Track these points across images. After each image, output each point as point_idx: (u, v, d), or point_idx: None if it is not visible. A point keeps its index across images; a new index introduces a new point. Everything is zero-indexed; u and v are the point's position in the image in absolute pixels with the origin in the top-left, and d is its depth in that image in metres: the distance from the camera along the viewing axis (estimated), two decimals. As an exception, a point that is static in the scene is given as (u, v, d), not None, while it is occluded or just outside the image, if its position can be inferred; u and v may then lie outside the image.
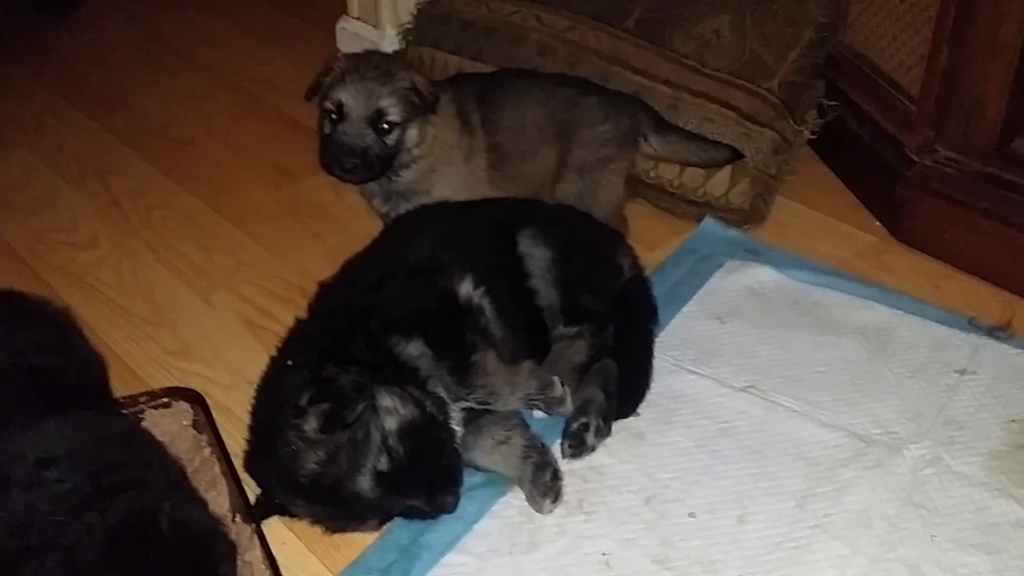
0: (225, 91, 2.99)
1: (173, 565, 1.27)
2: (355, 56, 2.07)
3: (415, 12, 2.83)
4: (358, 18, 2.92)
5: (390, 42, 2.85)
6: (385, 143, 2.00)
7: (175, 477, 1.45)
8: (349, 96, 1.97)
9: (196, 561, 1.29)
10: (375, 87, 1.97)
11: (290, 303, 2.14)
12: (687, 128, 2.31)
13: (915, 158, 2.21)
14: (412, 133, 2.02)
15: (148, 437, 1.48)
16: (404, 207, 2.12)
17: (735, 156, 2.28)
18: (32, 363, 1.44)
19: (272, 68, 3.10)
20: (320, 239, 2.34)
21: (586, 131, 2.20)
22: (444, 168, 2.11)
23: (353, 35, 2.93)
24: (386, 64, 2.03)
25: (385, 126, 1.99)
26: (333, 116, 1.99)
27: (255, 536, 1.53)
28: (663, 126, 2.27)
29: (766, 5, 2.47)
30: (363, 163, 1.98)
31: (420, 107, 2.01)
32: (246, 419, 1.73)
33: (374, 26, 2.88)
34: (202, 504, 1.46)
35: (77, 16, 3.33)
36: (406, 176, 2.08)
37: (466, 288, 1.73)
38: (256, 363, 1.95)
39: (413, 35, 2.80)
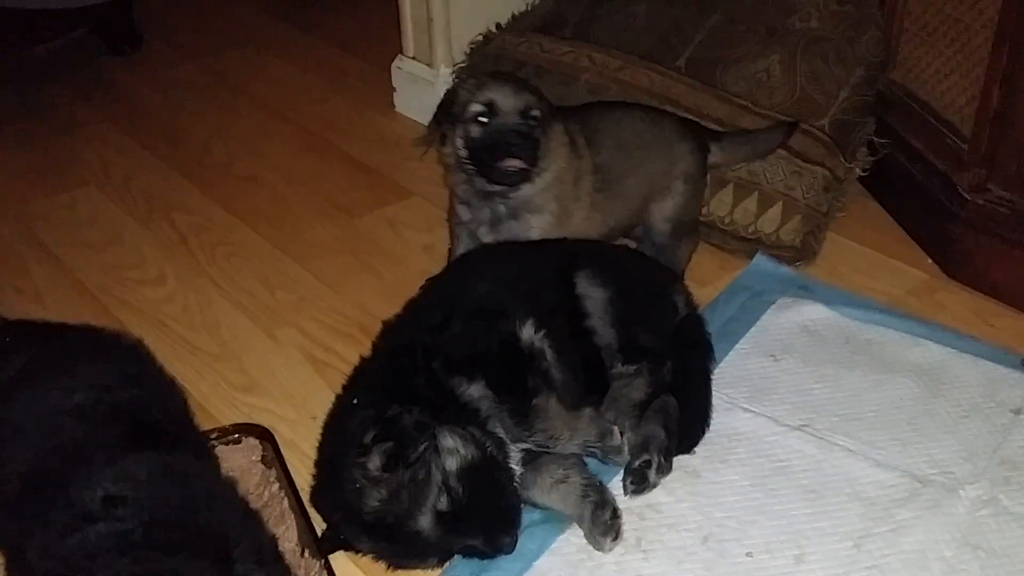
0: (285, 129, 3.08)
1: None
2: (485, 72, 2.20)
3: (468, 51, 2.91)
4: (413, 57, 2.99)
5: (444, 81, 2.91)
6: (535, 136, 2.04)
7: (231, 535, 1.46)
8: (498, 93, 2.02)
9: None
10: (519, 86, 2.06)
11: (351, 339, 2.21)
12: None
13: (967, 196, 2.22)
14: (543, 140, 2.07)
15: (222, 484, 1.52)
16: (508, 233, 2.14)
17: (790, 129, 2.37)
18: (113, 398, 1.49)
19: (329, 106, 3.19)
20: (378, 275, 2.40)
21: (677, 145, 2.27)
22: (557, 186, 2.14)
23: (408, 74, 3.00)
24: (515, 77, 2.16)
25: (533, 120, 2.03)
26: (482, 118, 2.02)
27: (324, 571, 1.58)
28: (717, 135, 2.37)
29: (816, 45, 2.51)
30: (529, 145, 2.02)
31: (548, 115, 2.07)
32: (311, 454, 1.79)
33: (428, 65, 2.95)
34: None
35: (139, 56, 3.45)
36: (527, 190, 2.10)
37: (527, 332, 1.78)
38: (319, 398, 2.03)
39: (463, 73, 2.88)
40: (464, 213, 2.17)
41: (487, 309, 1.81)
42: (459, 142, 2.08)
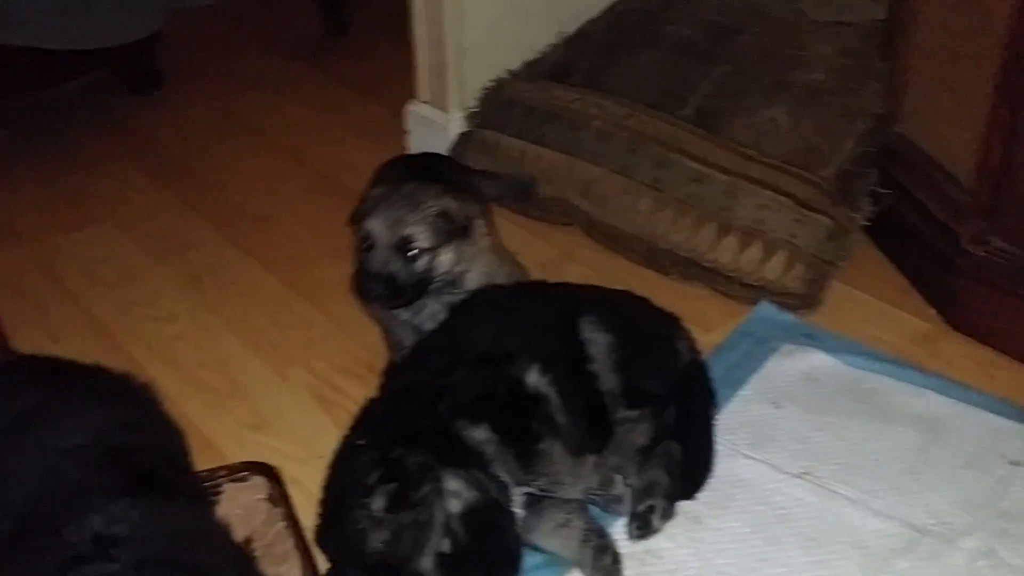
0: (298, 169, 3.14)
1: None
2: (389, 185, 2.11)
3: (480, 97, 2.97)
4: (427, 102, 3.05)
5: (456, 125, 2.97)
6: (414, 269, 2.00)
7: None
8: (377, 224, 2.00)
9: None
10: (402, 215, 2.00)
11: (359, 378, 2.24)
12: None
13: (968, 248, 2.25)
14: (445, 257, 2.03)
15: (215, 527, 1.55)
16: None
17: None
18: (113, 442, 1.52)
19: (343, 147, 3.25)
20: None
21: None
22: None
23: (422, 118, 3.06)
24: (416, 191, 2.05)
25: (413, 252, 1.99)
26: (364, 244, 2.02)
27: (326, 611, 1.60)
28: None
29: (822, 96, 2.56)
30: (390, 290, 2.00)
31: (453, 231, 2.03)
32: (316, 493, 1.81)
33: (441, 110, 3.01)
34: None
35: (159, 96, 3.52)
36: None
37: (533, 376, 1.80)
38: (326, 438, 2.05)
39: (479, 119, 2.94)
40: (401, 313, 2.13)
41: (493, 353, 1.84)
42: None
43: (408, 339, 2.19)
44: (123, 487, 1.42)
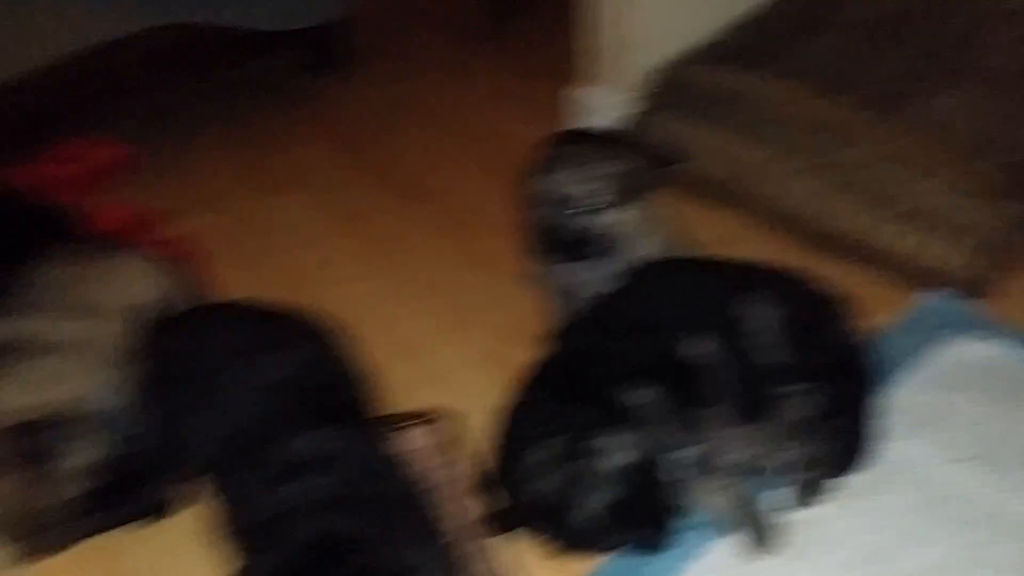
0: (468, 148, 3.28)
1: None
2: (566, 142, 2.19)
3: (650, 78, 3.02)
4: (592, 84, 3.12)
5: (622, 108, 3.04)
6: (586, 227, 2.07)
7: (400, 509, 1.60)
8: (553, 183, 2.07)
9: None
10: (577, 175, 2.07)
11: (522, 344, 2.33)
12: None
13: None
14: (616, 220, 2.08)
15: (401, 463, 1.69)
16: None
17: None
18: (312, 378, 1.69)
19: (510, 128, 3.36)
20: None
21: None
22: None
23: (587, 100, 3.14)
24: (592, 154, 2.12)
25: (585, 210, 2.06)
26: (539, 201, 2.10)
27: (495, 551, 1.72)
28: None
29: (1001, 82, 2.49)
30: (562, 247, 2.09)
31: (628, 194, 2.09)
32: (484, 443, 1.95)
33: (607, 92, 3.08)
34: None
35: (340, 77, 3.75)
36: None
37: (699, 346, 1.87)
38: (492, 394, 2.17)
39: (645, 102, 2.99)
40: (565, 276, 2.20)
41: (661, 321, 1.92)
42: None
43: (568, 304, 2.29)
44: (319, 418, 1.58)
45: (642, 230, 2.13)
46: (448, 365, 2.32)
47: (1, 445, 1.74)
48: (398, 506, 1.50)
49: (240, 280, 2.60)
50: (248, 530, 1.47)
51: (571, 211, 2.06)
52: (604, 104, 3.07)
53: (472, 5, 4.20)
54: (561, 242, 2.07)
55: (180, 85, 3.30)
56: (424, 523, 1.56)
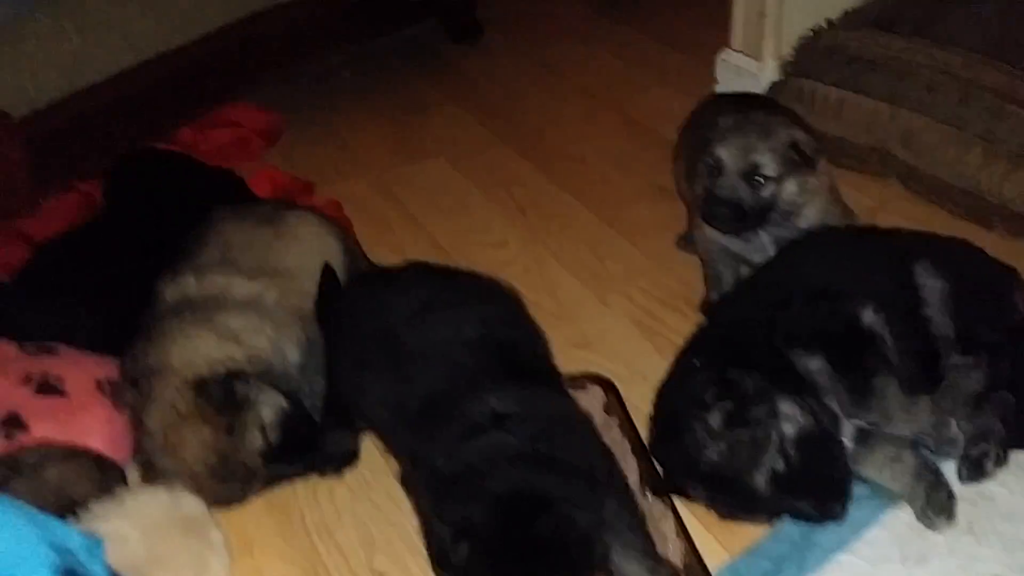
0: (607, 114, 3.29)
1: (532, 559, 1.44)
2: (738, 111, 2.17)
3: (797, 45, 2.97)
4: (739, 50, 3.08)
5: (770, 74, 2.99)
6: (760, 196, 2.07)
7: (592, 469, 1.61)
8: (726, 151, 2.06)
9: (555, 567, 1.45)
10: (752, 142, 2.05)
11: (677, 311, 2.37)
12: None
13: None
14: (789, 187, 2.08)
15: (585, 419, 1.73)
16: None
17: None
18: (495, 336, 1.73)
19: (649, 95, 3.36)
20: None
21: None
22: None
23: (733, 67, 3.10)
24: (767, 120, 2.11)
25: (759, 180, 2.06)
26: (712, 171, 2.10)
27: (668, 510, 1.75)
28: None
29: None
30: (735, 215, 2.08)
31: (799, 163, 2.08)
32: (642, 408, 1.97)
33: (755, 59, 3.04)
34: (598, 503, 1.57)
35: (478, 45, 3.79)
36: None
37: (868, 315, 1.84)
38: (649, 360, 2.21)
39: (794, 68, 2.94)
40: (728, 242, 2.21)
41: (829, 290, 1.89)
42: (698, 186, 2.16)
43: (728, 274, 2.29)
44: (507, 375, 1.63)
45: (805, 199, 2.11)
46: (603, 329, 2.35)
47: (196, 395, 1.84)
48: (587, 464, 1.53)
49: (389, 245, 2.68)
50: (439, 483, 1.52)
51: (741, 180, 2.05)
52: (752, 69, 3.03)
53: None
54: (730, 210, 2.06)
55: (325, 53, 3.38)
56: (611, 482, 1.59)
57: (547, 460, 1.50)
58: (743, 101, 2.42)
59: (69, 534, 1.29)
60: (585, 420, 1.70)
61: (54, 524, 1.31)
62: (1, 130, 2.39)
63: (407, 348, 1.71)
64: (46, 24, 2.44)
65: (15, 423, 1.91)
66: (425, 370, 1.67)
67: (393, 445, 1.81)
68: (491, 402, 1.56)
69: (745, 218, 2.07)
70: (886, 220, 2.58)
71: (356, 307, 1.89)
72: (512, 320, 1.83)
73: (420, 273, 1.93)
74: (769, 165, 2.04)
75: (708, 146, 2.09)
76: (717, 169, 2.07)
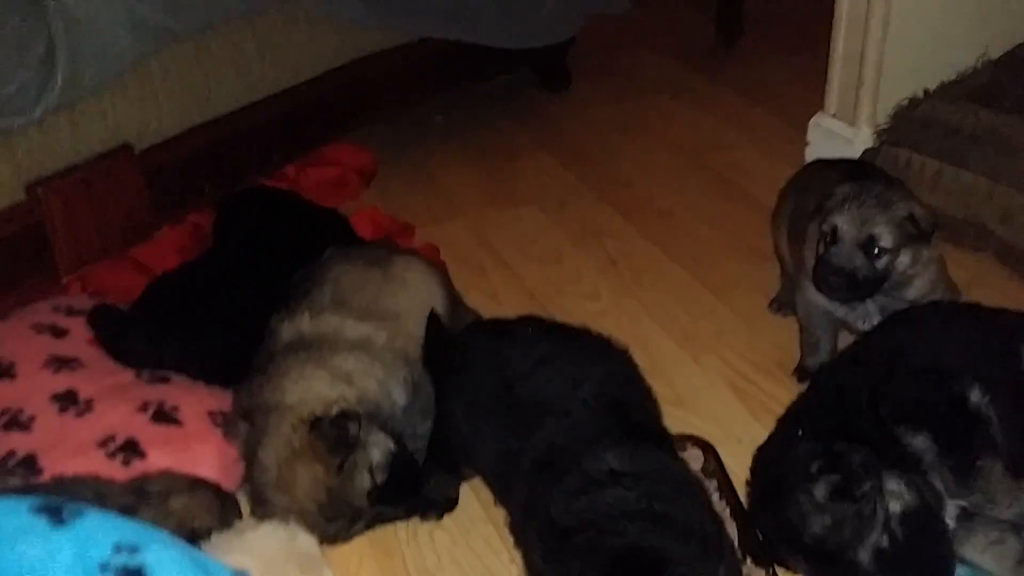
0: (697, 171, 3.33)
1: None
2: (855, 181, 2.19)
3: (893, 113, 2.99)
4: (834, 115, 3.11)
5: (864, 141, 3.02)
6: (875, 267, 2.09)
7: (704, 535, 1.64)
8: (844, 221, 2.09)
9: None
10: (871, 214, 2.08)
11: (770, 374, 2.39)
12: None
13: None
14: (904, 259, 2.10)
15: (697, 482, 1.75)
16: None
17: None
18: (612, 394, 1.78)
19: (738, 153, 3.40)
20: (794, 321, 2.53)
21: None
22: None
23: (827, 131, 3.13)
24: (885, 192, 2.13)
25: (876, 251, 2.08)
26: (828, 239, 2.12)
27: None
28: None
29: None
30: (848, 284, 2.10)
31: (915, 236, 2.10)
32: (737, 472, 1.99)
33: (849, 124, 3.06)
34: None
35: (568, 94, 3.86)
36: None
37: (975, 395, 1.85)
38: (742, 423, 2.24)
39: (889, 136, 2.96)
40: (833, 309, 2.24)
41: (936, 367, 1.91)
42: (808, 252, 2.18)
43: (826, 340, 2.31)
44: (623, 433, 1.67)
45: (917, 271, 2.13)
46: (696, 389, 2.37)
47: (310, 434, 1.90)
48: (700, 527, 1.55)
49: (483, 291, 2.74)
50: (554, 535, 1.56)
51: (858, 250, 2.08)
52: (846, 135, 3.06)
53: (699, 26, 4.25)
54: (844, 279, 2.08)
55: (422, 97, 3.47)
56: (721, 546, 1.61)
57: (664, 520, 1.53)
58: (856, 170, 2.44)
59: (220, 569, 1.35)
60: (696, 483, 1.72)
61: (207, 558, 1.37)
62: (125, 163, 2.49)
63: (524, 401, 1.76)
64: (172, 62, 2.55)
65: (133, 449, 2.00)
66: (542, 424, 1.71)
67: (503, 494, 1.85)
68: (608, 459, 1.60)
69: (859, 287, 2.09)
70: (980, 295, 2.57)
71: (471, 357, 1.94)
72: (627, 379, 1.87)
73: (537, 328, 1.97)
74: (887, 237, 2.07)
75: (824, 213, 2.12)
76: (833, 237, 2.10)
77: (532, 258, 2.92)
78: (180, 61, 2.57)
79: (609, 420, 1.73)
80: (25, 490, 1.68)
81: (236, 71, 2.73)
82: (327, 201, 2.90)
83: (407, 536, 2.01)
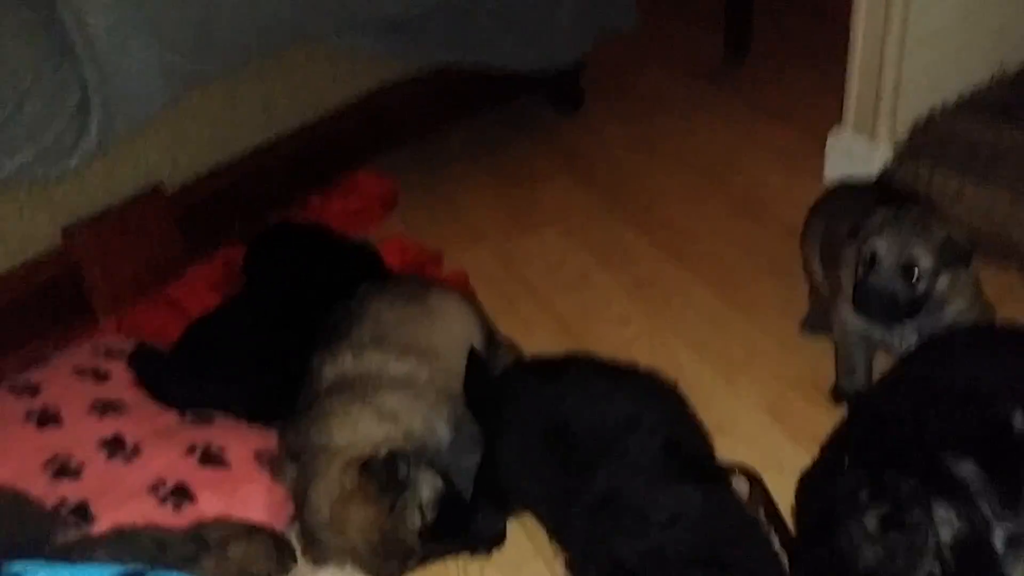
0: (717, 190, 3.34)
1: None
2: (892, 204, 2.23)
3: (912, 128, 3.01)
4: (853, 130, 3.13)
5: (883, 156, 3.04)
6: (915, 290, 2.11)
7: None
8: (883, 244, 2.11)
9: None
10: (910, 238, 2.10)
11: (808, 396, 2.40)
12: None
13: None
14: (942, 282, 2.13)
15: (756, 520, 1.77)
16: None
17: None
18: (670, 434, 1.79)
19: (758, 171, 3.41)
20: (827, 341, 2.54)
21: None
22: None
23: (845, 146, 3.15)
24: (923, 215, 2.16)
25: (915, 274, 2.10)
26: (867, 263, 2.14)
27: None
28: None
29: None
30: (889, 308, 2.13)
31: (953, 258, 2.12)
32: (778, 500, 2.00)
33: (869, 138, 3.08)
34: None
35: (580, 116, 3.87)
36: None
37: (1019, 419, 1.87)
38: (782, 448, 2.25)
39: (908, 150, 2.98)
40: (871, 331, 2.26)
41: (977, 391, 1.92)
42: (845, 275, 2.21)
43: (862, 361, 2.32)
44: (681, 473, 1.68)
45: (954, 293, 2.15)
46: (734, 415, 2.39)
47: (361, 475, 1.91)
48: (762, 569, 1.57)
49: (514, 319, 2.74)
50: (606, 576, 1.58)
51: (897, 274, 2.10)
52: (865, 149, 3.08)
53: (705, 43, 4.27)
54: (884, 302, 2.10)
55: (440, 124, 3.49)
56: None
57: (726, 563, 1.55)
58: (887, 192, 2.46)
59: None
60: (755, 522, 1.74)
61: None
62: (157, 204, 2.51)
63: (580, 441, 1.77)
64: (201, 104, 2.56)
65: (183, 494, 2.02)
66: (600, 463, 1.72)
67: (559, 532, 1.86)
68: (669, 501, 1.61)
69: (899, 311, 2.12)
70: (1007, 309, 2.60)
71: (521, 396, 1.96)
72: (681, 418, 1.88)
73: (587, 367, 1.99)
74: (926, 260, 2.09)
75: (863, 237, 2.14)
76: (872, 261, 2.12)
77: (560, 284, 2.93)
78: (209, 102, 2.59)
79: (667, 461, 1.74)
80: (88, 546, 1.69)
81: (262, 108, 2.75)
82: (351, 230, 2.92)
83: (458, 572, 2.02)
